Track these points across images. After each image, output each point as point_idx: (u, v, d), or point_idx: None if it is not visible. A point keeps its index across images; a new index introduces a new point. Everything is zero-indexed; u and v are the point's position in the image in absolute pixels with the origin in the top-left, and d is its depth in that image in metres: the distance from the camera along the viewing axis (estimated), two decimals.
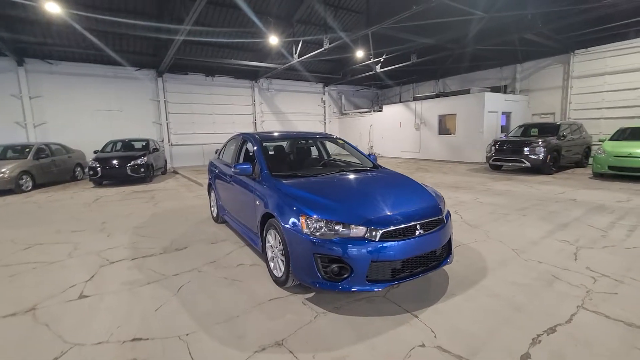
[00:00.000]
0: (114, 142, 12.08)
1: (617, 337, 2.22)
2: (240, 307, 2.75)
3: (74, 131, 13.35)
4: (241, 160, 4.51)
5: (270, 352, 2.17)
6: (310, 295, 2.91)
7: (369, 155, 4.41)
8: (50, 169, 10.36)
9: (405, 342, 2.24)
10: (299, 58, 13.55)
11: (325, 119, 20.61)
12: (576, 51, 11.96)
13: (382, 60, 14.66)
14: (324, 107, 20.53)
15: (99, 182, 10.36)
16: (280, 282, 3.03)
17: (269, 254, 3.25)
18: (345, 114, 20.48)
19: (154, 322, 2.56)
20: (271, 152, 4.59)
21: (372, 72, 16.19)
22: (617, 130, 9.28)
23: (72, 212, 6.66)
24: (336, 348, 2.19)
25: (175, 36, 10.53)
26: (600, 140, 9.29)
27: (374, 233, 2.52)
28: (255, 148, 3.90)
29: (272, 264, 3.21)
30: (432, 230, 2.74)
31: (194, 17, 9.02)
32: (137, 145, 12.20)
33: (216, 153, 5.63)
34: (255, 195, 3.47)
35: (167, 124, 15.77)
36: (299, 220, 2.67)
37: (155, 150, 12.24)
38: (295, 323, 2.49)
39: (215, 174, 5.25)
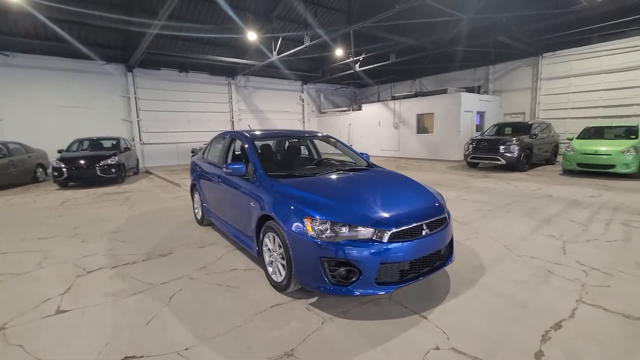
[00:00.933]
0: (81, 141, 11.27)
1: (619, 330, 2.29)
2: (241, 316, 2.59)
3: (34, 129, 12.35)
4: (230, 160, 4.30)
5: None
6: (314, 299, 2.79)
7: (361, 154, 4.34)
8: (8, 170, 9.49)
9: (419, 345, 2.18)
10: (278, 55, 13.31)
11: (304, 118, 20.46)
12: (545, 54, 12.59)
13: (361, 59, 14.73)
14: (303, 105, 20.37)
15: (64, 184, 9.64)
16: (280, 287, 2.89)
17: (267, 258, 3.10)
18: (324, 112, 20.44)
19: (146, 338, 2.34)
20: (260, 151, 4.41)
21: (351, 71, 16.24)
22: (583, 130, 9.85)
23: (38, 217, 6.11)
24: (350, 356, 2.09)
25: (148, 29, 9.98)
26: (568, 139, 9.83)
27: (382, 234, 2.44)
28: (247, 147, 3.71)
29: (270, 269, 3.06)
30: (437, 230, 2.71)
31: (168, 11, 8.59)
32: (107, 144, 11.48)
33: (192, 152, 5.36)
34: (250, 196, 3.30)
35: (138, 121, 14.99)
36: (302, 223, 2.54)
37: (127, 149, 11.57)
38: (302, 331, 2.37)
39: (199, 174, 4.99)
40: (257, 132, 4.23)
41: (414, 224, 2.57)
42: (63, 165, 9.31)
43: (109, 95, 14.23)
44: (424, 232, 2.61)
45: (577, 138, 9.57)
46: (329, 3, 13.46)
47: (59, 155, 9.83)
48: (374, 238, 2.44)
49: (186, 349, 2.20)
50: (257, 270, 3.45)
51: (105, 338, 2.35)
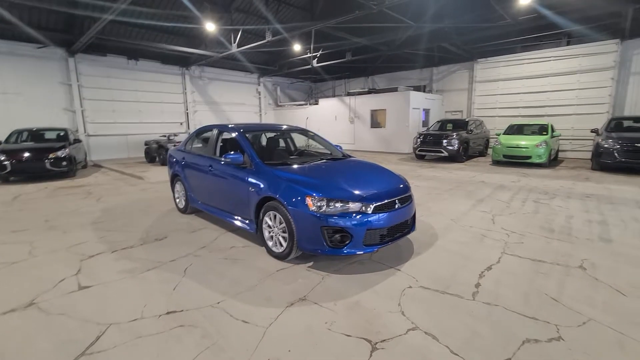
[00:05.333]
0: (20, 132, 10.35)
1: (528, 268, 3.29)
2: (254, 279, 3.13)
3: None
4: (218, 151, 4.69)
5: (299, 305, 2.65)
6: (311, 263, 3.43)
7: (336, 146, 5.02)
8: None
9: (398, 286, 2.95)
10: (238, 48, 13.37)
11: (260, 110, 20.57)
12: (479, 60, 14.43)
13: (318, 55, 15.37)
14: (260, 98, 20.45)
15: (4, 178, 8.91)
16: (282, 256, 3.47)
17: (266, 234, 3.65)
18: (282, 105, 20.77)
19: (179, 298, 2.79)
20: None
21: (309, 66, 16.80)
22: (508, 126, 11.69)
23: None
24: (349, 296, 2.78)
25: (101, 14, 9.49)
26: (496, 134, 11.58)
27: (367, 207, 3.15)
28: (241, 139, 4.16)
29: (270, 243, 3.62)
30: (405, 204, 3.51)
31: None
32: (51, 135, 10.69)
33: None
34: (248, 183, 3.79)
35: (82, 111, 13.98)
36: (304, 201, 3.15)
37: (77, 141, 10.92)
38: (308, 284, 3.00)
39: (183, 165, 5.26)
40: (247, 126, 4.66)
41: (390, 199, 3.33)
42: (5, 158, 8.61)
43: (46, 82, 13.06)
44: (396, 206, 3.38)
45: (503, 134, 11.34)
46: (291, 0, 13.82)
47: None
48: (361, 210, 3.14)
49: (218, 303, 2.71)
50: (254, 247, 3.97)
51: (142, 301, 2.74)
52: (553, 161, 11.12)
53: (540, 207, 5.54)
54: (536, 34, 12.43)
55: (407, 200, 3.58)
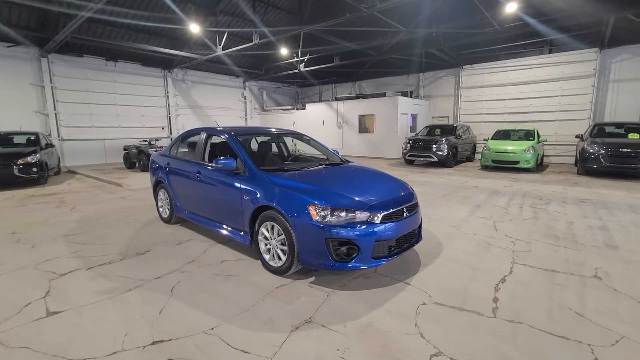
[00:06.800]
0: None
1: (542, 279, 3.12)
2: (251, 298, 2.81)
3: None
4: (207, 156, 4.34)
5: (306, 329, 2.35)
6: (312, 278, 3.14)
7: (333, 150, 4.77)
8: None
9: (411, 303, 2.70)
10: (224, 50, 13.01)
11: (246, 115, 20.15)
12: (465, 66, 14.62)
13: (306, 59, 15.19)
14: (245, 102, 20.04)
15: None
16: (280, 271, 3.16)
17: (262, 246, 3.33)
18: (267, 110, 20.42)
19: (166, 324, 2.43)
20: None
21: (296, 71, 16.59)
22: (496, 132, 11.80)
23: None
24: (359, 317, 2.51)
25: (77, 11, 8.95)
26: (484, 140, 11.66)
27: (375, 216, 2.90)
28: (233, 143, 3.85)
29: (267, 256, 3.30)
30: (412, 213, 3.28)
31: None
32: (20, 139, 9.97)
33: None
34: (241, 190, 3.48)
35: (55, 114, 13.21)
36: (307, 210, 2.87)
37: (50, 145, 10.23)
38: (312, 303, 2.71)
39: (167, 171, 4.87)
40: (239, 130, 4.36)
41: (398, 208, 3.09)
42: None
43: (16, 83, 12.27)
44: (404, 214, 3.15)
45: (492, 139, 11.43)
46: (279, 4, 13.60)
47: None
48: (368, 220, 2.89)
49: (212, 328, 2.37)
50: (248, 260, 3.64)
51: (122, 329, 2.37)
52: (539, 166, 11.29)
53: (539, 213, 5.46)
54: (520, 41, 12.69)
55: (414, 208, 3.36)
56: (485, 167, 11.13)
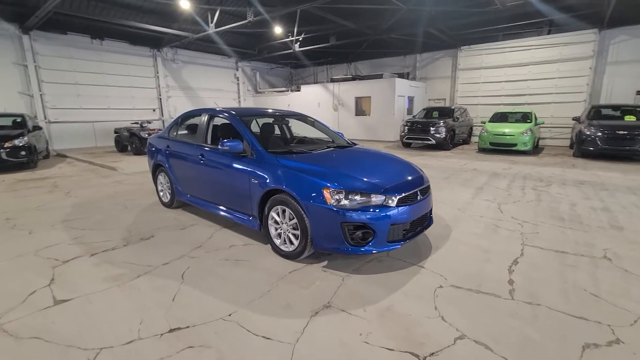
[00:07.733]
0: None
1: (554, 260, 3.14)
2: (265, 283, 2.75)
3: None
4: (210, 138, 4.19)
5: (325, 314, 2.32)
6: (325, 262, 3.10)
7: (338, 132, 4.65)
8: None
9: (427, 286, 2.68)
10: (216, 28, 12.48)
11: (239, 97, 19.66)
12: (462, 47, 14.38)
13: (300, 39, 14.70)
14: (238, 83, 19.51)
15: None
16: (292, 255, 3.10)
17: (272, 231, 3.26)
18: (261, 92, 19.95)
19: (181, 311, 2.37)
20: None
21: (290, 51, 16.08)
22: (493, 114, 11.76)
23: None
24: (378, 300, 2.48)
25: None
26: (482, 122, 11.62)
27: (390, 200, 2.84)
28: (239, 126, 3.69)
29: (277, 240, 3.23)
30: (426, 196, 3.23)
31: None
32: (5, 121, 9.53)
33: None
34: (249, 174, 3.36)
35: (40, 95, 12.66)
36: (321, 193, 2.79)
37: (37, 128, 9.83)
38: (328, 287, 2.67)
39: (168, 154, 4.70)
40: (242, 111, 4.18)
41: (412, 191, 3.03)
42: None
43: None
44: (418, 197, 3.09)
45: (489, 121, 11.39)
46: None
47: None
48: (384, 203, 2.82)
49: (229, 315, 2.32)
50: (256, 244, 3.57)
51: (136, 316, 2.30)
52: (536, 149, 11.35)
53: (542, 195, 5.49)
54: (520, 21, 12.46)
55: (427, 191, 3.31)
56: (482, 150, 11.14)
